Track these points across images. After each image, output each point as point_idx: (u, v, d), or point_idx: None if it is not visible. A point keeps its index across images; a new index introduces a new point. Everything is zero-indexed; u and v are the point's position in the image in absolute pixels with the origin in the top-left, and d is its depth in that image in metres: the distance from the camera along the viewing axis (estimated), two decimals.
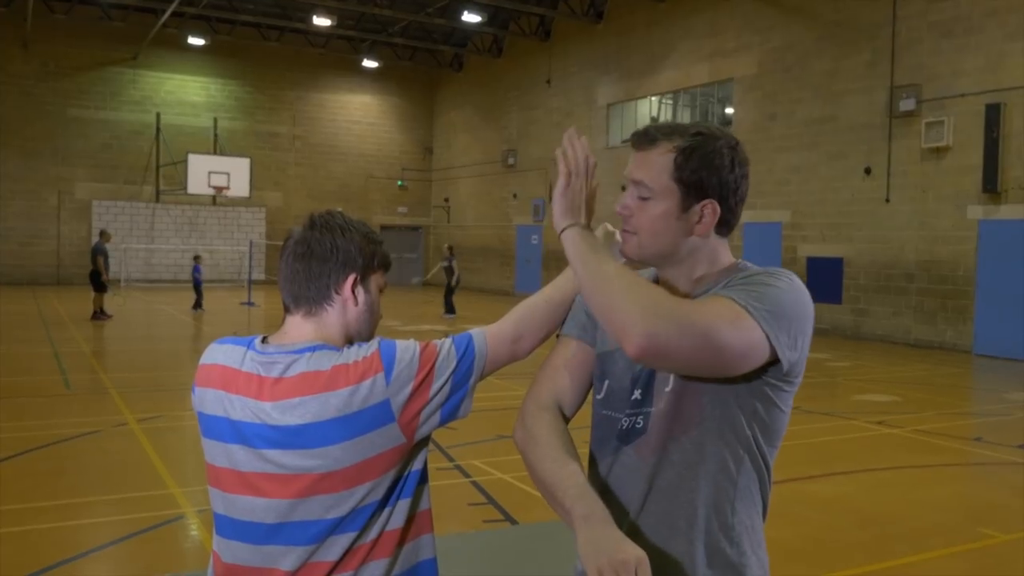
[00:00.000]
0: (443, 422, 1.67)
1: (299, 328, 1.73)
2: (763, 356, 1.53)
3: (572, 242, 1.59)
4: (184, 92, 30.47)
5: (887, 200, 16.73)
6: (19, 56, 27.82)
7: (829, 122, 17.99)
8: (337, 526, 1.62)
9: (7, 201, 27.76)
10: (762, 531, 1.69)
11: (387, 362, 1.62)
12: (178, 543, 5.20)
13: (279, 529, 1.64)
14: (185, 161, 27.79)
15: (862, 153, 17.23)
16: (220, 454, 1.70)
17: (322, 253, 1.70)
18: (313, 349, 1.66)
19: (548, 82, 27.51)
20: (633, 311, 1.45)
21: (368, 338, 1.77)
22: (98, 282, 17.85)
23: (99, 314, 17.77)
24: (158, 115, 29.86)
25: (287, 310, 1.76)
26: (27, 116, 27.96)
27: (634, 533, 1.62)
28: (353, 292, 1.73)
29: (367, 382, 1.60)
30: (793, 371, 1.61)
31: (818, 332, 17.78)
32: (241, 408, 1.67)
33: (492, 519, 5.59)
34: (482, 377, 1.71)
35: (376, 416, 1.60)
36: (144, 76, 29.76)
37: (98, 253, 18.08)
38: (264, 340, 1.75)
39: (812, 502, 6.17)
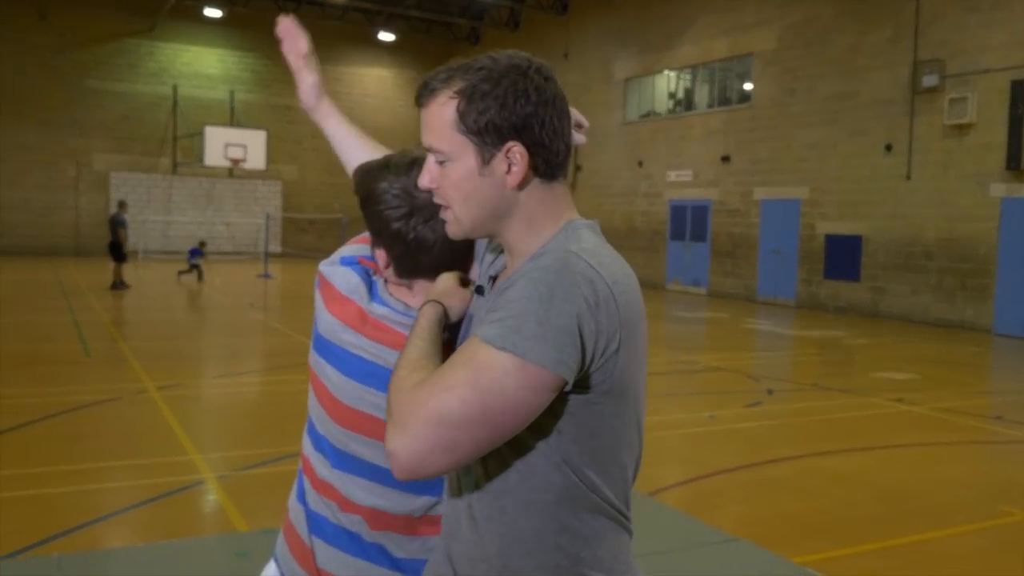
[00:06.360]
0: None
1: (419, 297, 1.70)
2: (548, 385, 1.25)
3: (423, 316, 1.50)
4: (201, 64, 30.42)
5: (908, 177, 16.56)
6: (37, 27, 27.79)
7: (850, 98, 17.78)
8: (388, 476, 1.54)
9: (26, 172, 27.85)
10: (611, 538, 1.43)
11: None
12: (197, 508, 5.24)
13: (341, 456, 1.68)
14: (202, 133, 27.77)
15: (883, 129, 17.04)
16: (314, 363, 1.75)
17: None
18: None
19: (565, 56, 27.30)
20: (389, 424, 1.26)
21: None
22: (118, 253, 17.94)
23: (118, 284, 17.87)
24: (175, 87, 29.86)
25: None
26: (45, 87, 27.97)
27: (468, 558, 1.43)
28: None
29: None
30: (591, 379, 1.31)
31: (836, 310, 17.71)
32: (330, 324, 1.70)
33: None
34: None
35: None
36: (161, 48, 29.72)
37: (118, 224, 18.12)
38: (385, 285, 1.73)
39: (830, 477, 6.15)
